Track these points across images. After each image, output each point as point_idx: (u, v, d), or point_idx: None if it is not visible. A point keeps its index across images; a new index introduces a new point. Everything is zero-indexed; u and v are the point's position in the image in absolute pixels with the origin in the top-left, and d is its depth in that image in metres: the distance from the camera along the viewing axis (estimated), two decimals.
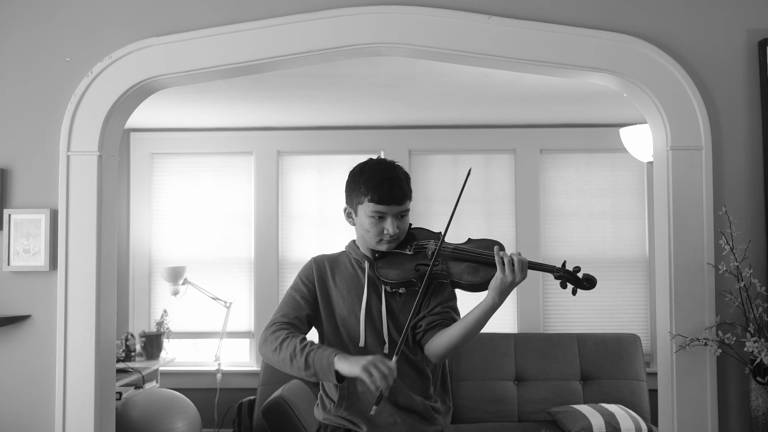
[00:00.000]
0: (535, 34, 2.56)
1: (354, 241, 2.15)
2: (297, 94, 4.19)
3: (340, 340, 2.05)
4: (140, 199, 5.14)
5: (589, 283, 1.93)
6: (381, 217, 2.00)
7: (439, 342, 1.98)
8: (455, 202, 2.00)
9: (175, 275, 4.78)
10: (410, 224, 2.09)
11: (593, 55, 2.55)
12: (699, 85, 2.53)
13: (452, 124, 5.10)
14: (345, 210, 2.10)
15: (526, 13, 2.58)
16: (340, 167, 5.15)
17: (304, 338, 1.97)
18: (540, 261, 1.94)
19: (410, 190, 2.04)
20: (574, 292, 1.93)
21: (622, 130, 4.11)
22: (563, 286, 1.95)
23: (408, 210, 2.04)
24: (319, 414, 2.12)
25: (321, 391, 2.13)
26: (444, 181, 5.08)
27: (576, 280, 1.93)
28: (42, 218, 2.56)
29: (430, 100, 4.39)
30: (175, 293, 4.82)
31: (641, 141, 3.98)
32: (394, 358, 1.85)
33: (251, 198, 5.15)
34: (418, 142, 5.12)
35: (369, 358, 1.82)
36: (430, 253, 2.02)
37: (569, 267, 1.94)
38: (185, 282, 4.85)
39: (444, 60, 2.68)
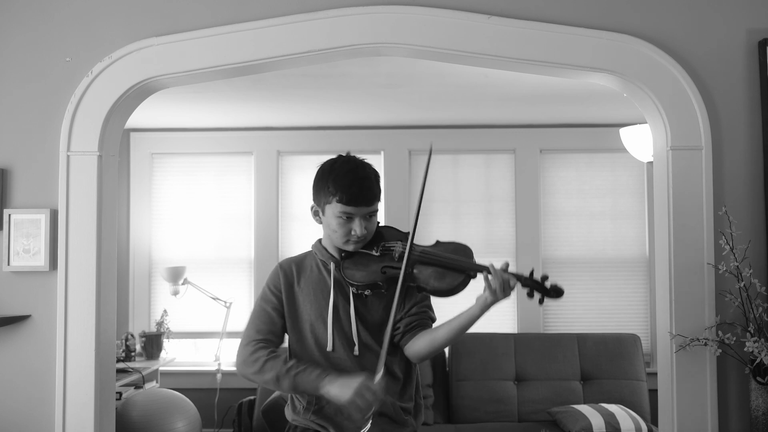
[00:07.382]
0: (535, 34, 2.56)
1: (320, 240, 2.10)
2: (297, 94, 4.19)
3: (304, 347, 2.02)
4: (140, 199, 5.14)
5: (556, 293, 1.84)
6: (349, 218, 1.95)
7: (421, 344, 1.97)
8: (419, 198, 1.96)
9: (175, 275, 4.78)
10: (378, 223, 2.05)
11: (593, 55, 2.55)
12: (699, 85, 2.53)
13: (452, 124, 5.09)
14: (312, 208, 2.06)
15: (525, 13, 2.58)
16: None
17: (286, 358, 1.97)
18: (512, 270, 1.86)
19: (380, 191, 2.00)
20: (541, 302, 1.85)
21: (622, 130, 4.11)
22: (530, 295, 1.85)
23: (377, 211, 2.00)
24: (289, 414, 2.11)
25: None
26: (444, 181, 5.08)
27: (543, 289, 1.84)
28: (42, 218, 2.56)
29: (430, 100, 4.39)
30: (175, 293, 4.82)
31: (641, 141, 3.97)
32: (378, 376, 1.83)
33: (251, 198, 5.14)
34: (418, 142, 5.11)
35: (355, 386, 1.82)
36: (396, 255, 1.97)
37: (537, 276, 1.85)
38: (185, 282, 4.85)
39: (444, 60, 2.68)
